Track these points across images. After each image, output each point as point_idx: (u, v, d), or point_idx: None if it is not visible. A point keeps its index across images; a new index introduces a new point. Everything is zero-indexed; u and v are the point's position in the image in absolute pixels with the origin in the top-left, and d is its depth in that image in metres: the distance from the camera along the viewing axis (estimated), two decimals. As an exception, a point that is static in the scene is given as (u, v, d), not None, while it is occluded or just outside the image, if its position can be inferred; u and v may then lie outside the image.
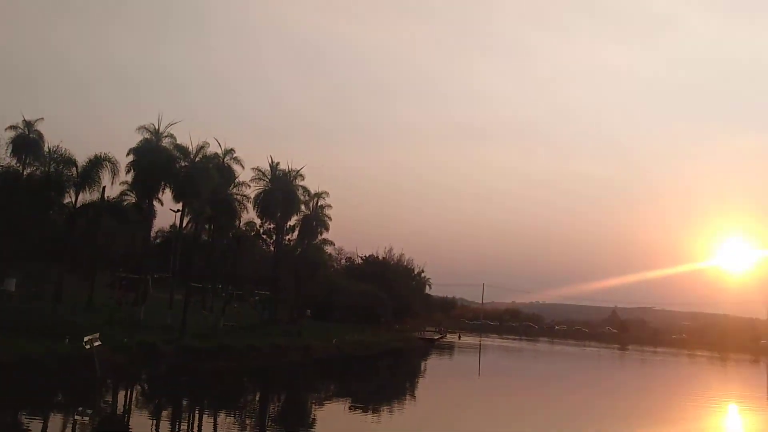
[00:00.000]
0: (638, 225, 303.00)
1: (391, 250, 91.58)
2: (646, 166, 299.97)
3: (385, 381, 44.91)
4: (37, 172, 43.61)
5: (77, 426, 20.49)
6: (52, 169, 43.00)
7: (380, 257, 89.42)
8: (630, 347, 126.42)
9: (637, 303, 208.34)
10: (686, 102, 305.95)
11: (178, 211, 48.59)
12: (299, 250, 63.05)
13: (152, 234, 54.04)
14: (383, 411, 29.35)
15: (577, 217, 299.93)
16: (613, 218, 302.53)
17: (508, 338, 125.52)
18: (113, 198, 47.17)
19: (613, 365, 79.17)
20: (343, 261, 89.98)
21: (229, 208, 53.75)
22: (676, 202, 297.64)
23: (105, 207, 45.18)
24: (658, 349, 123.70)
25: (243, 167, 57.37)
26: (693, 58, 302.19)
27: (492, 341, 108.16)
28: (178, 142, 47.38)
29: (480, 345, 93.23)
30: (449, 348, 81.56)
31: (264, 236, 61.90)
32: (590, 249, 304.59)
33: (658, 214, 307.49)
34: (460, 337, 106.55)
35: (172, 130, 47.74)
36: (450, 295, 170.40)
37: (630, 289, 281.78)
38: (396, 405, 31.90)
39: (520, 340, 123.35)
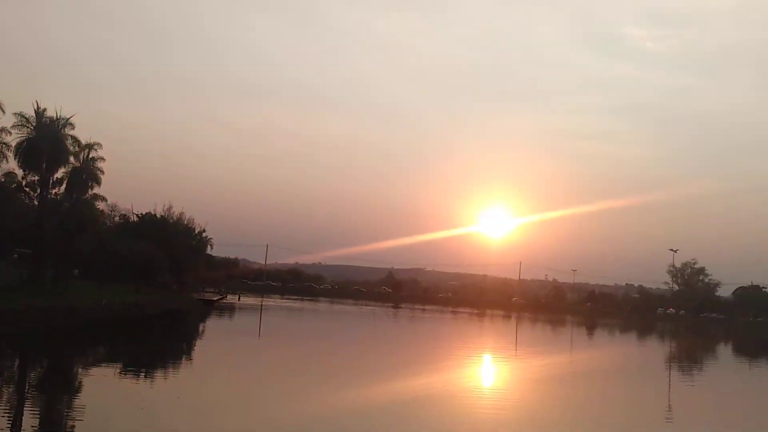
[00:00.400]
0: (414, 192, 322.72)
1: (170, 208, 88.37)
2: (423, 137, 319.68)
3: (161, 343, 43.59)
4: None
5: None
6: None
7: (158, 215, 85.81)
8: (403, 305, 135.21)
9: (411, 264, 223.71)
10: (464, 79, 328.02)
11: None
12: (67, 204, 58.51)
13: None
14: (157, 374, 28.65)
15: (358, 181, 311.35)
16: (391, 185, 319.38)
17: (290, 298, 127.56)
18: None
19: (386, 322, 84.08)
20: (117, 218, 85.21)
21: (-15, 156, 48.29)
22: (448, 172, 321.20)
23: None
24: (427, 307, 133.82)
25: (4, 112, 51.48)
26: (471, 37, 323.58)
27: (274, 302, 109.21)
28: None
29: (261, 305, 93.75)
30: (230, 309, 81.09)
31: (27, 189, 56.50)
32: (370, 213, 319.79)
33: (431, 183, 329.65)
34: (240, 298, 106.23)
35: None
36: (233, 256, 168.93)
37: (405, 251, 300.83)
38: (171, 368, 31.27)
39: (302, 300, 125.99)
